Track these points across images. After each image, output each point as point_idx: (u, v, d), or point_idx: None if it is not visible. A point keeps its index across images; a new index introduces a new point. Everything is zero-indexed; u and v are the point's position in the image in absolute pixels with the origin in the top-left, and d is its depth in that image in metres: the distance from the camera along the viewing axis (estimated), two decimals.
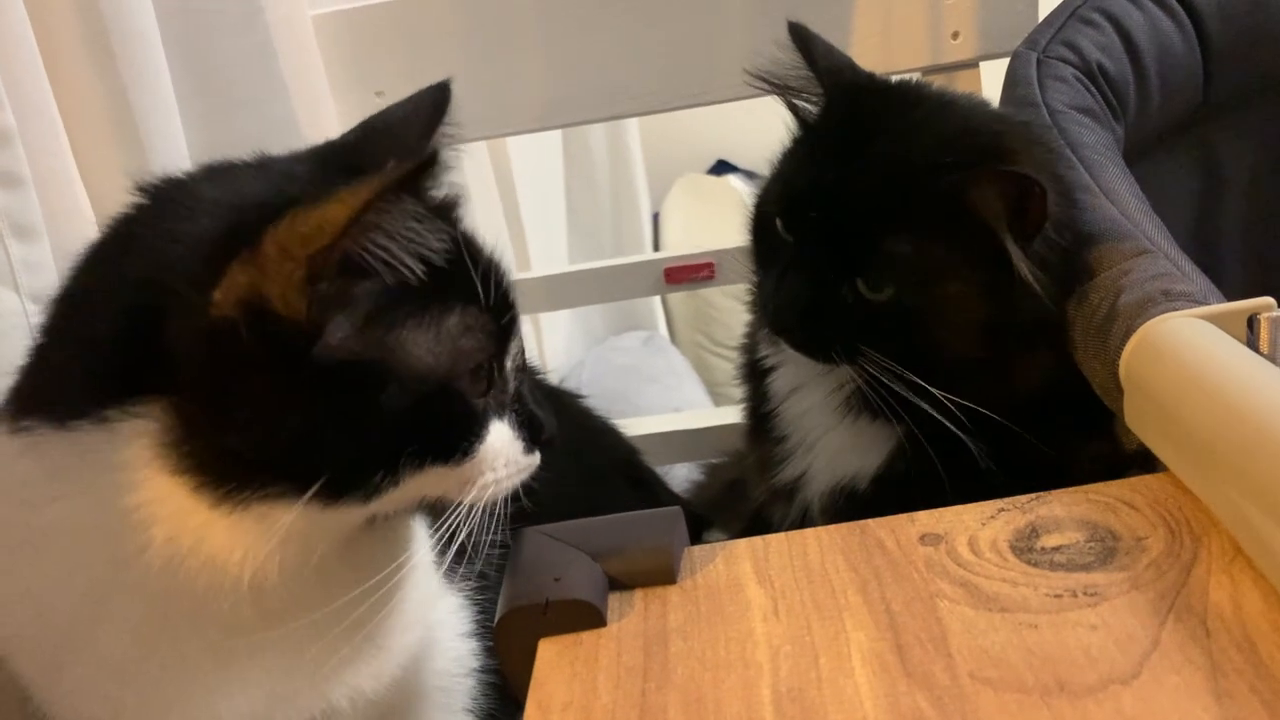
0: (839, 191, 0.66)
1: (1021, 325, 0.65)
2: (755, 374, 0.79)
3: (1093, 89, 0.76)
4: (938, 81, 0.93)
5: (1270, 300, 0.53)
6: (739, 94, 0.80)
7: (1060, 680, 0.43)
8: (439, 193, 0.52)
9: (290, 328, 0.44)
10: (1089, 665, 0.43)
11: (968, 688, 0.43)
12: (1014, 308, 0.64)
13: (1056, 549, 0.51)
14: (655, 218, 1.98)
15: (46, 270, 0.69)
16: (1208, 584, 0.46)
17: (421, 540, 0.59)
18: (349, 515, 0.49)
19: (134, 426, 0.45)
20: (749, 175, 2.07)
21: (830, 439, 0.73)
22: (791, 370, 0.75)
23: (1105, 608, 0.46)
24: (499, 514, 0.53)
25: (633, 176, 1.82)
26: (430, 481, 0.49)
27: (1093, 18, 0.79)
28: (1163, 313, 0.55)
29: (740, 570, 0.54)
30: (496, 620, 0.53)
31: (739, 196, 1.95)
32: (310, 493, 0.45)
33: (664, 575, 0.54)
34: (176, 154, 0.82)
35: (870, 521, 0.56)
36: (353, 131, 0.57)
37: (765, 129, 0.75)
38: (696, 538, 0.61)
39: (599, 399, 1.03)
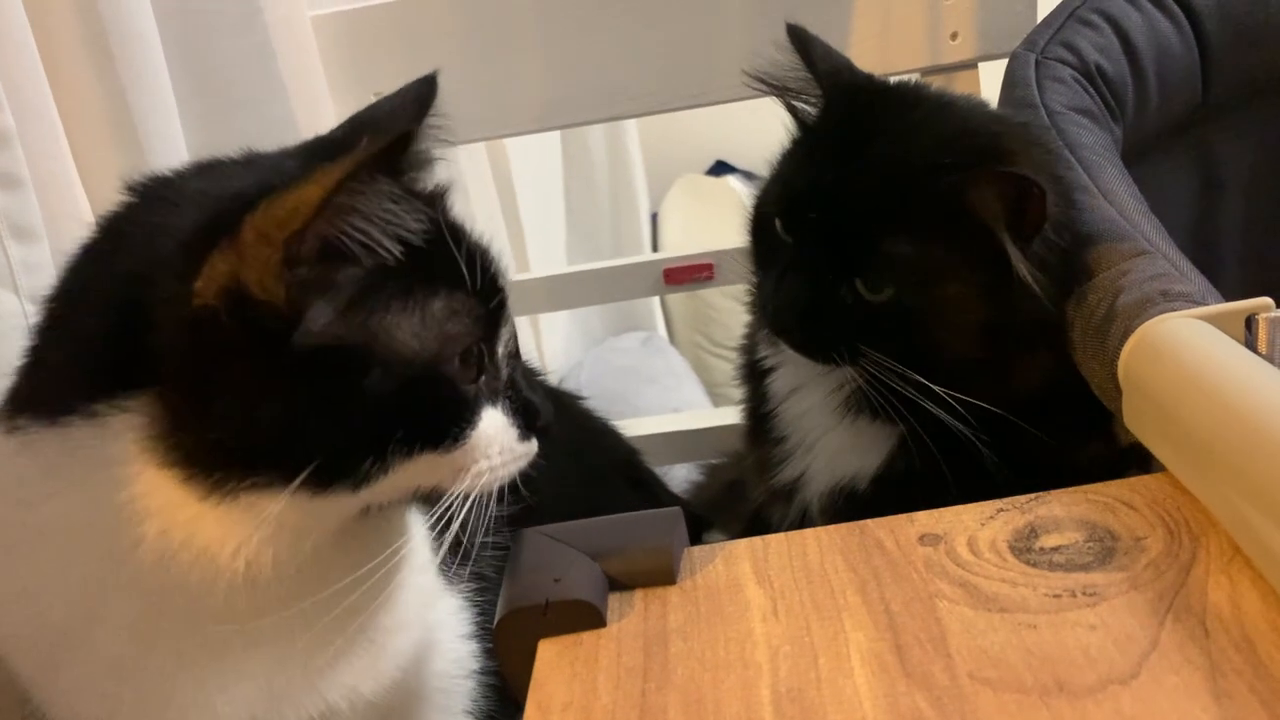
0: (838, 192, 0.66)
1: (1020, 326, 0.65)
2: (754, 375, 0.79)
3: (1091, 90, 0.76)
4: (936, 82, 0.93)
5: (1268, 300, 0.53)
6: (738, 95, 0.80)
7: (1059, 680, 0.43)
8: (425, 181, 0.52)
9: (270, 314, 0.44)
10: (1088, 665, 0.43)
11: (967, 688, 0.43)
12: (1013, 308, 0.64)
13: (1055, 549, 0.51)
14: (654, 218, 1.98)
15: (46, 272, 0.69)
16: (1206, 584, 0.47)
17: (418, 535, 0.59)
18: (341, 505, 0.48)
19: (123, 421, 0.46)
20: (748, 176, 2.07)
21: (829, 439, 0.73)
22: (791, 371, 0.75)
23: (1104, 608, 0.46)
24: (495, 505, 0.53)
25: (631, 177, 1.82)
26: (422, 469, 0.49)
27: (1091, 19, 0.79)
28: (1161, 313, 0.55)
29: (740, 571, 0.54)
30: (496, 621, 0.53)
31: (738, 197, 1.96)
32: (298, 481, 0.45)
33: (664, 576, 0.54)
34: (176, 155, 0.82)
35: (869, 522, 0.56)
36: (341, 126, 0.57)
37: (764, 129, 0.75)
38: (696, 538, 0.61)
39: (598, 400, 1.03)
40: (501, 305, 0.52)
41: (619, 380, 1.49)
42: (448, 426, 0.49)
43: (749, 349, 0.81)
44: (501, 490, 0.53)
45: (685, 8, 0.97)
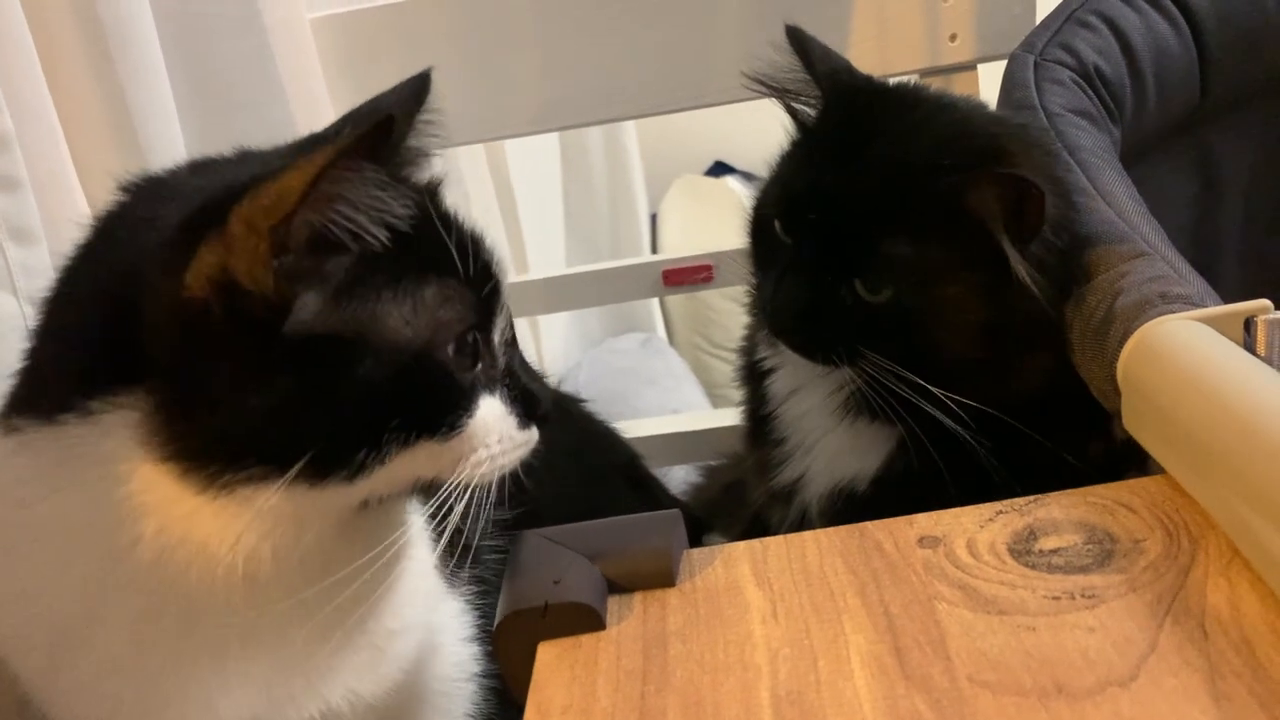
0: (837, 193, 0.66)
1: (1019, 327, 0.65)
2: (754, 376, 0.79)
3: (1089, 92, 0.76)
4: (935, 84, 0.93)
5: (1267, 302, 0.53)
6: (736, 96, 0.80)
7: (1058, 683, 0.43)
8: (420, 176, 0.52)
9: (259, 304, 0.44)
10: (1087, 668, 0.43)
11: (966, 690, 0.43)
12: (1012, 309, 0.64)
13: (1054, 551, 0.51)
14: (653, 219, 1.98)
15: (45, 274, 0.69)
16: (1205, 586, 0.47)
17: (420, 538, 0.59)
18: (339, 497, 0.48)
19: (118, 417, 0.46)
20: (746, 177, 2.07)
21: (829, 441, 0.74)
22: (790, 372, 0.75)
23: (1103, 610, 0.46)
24: (495, 497, 0.52)
25: (630, 178, 1.82)
26: (421, 459, 0.49)
27: (1089, 20, 0.79)
28: (1160, 315, 0.55)
29: (739, 573, 0.54)
30: (496, 623, 0.53)
31: (736, 198, 1.96)
32: (293, 472, 0.45)
33: (663, 578, 0.54)
34: (175, 157, 0.81)
35: (869, 524, 0.56)
36: (336, 124, 0.57)
37: (763, 130, 0.76)
38: (695, 540, 0.61)
39: (597, 401, 1.03)
40: (495, 293, 0.52)
41: (618, 381, 1.49)
42: (443, 414, 0.49)
43: (748, 350, 0.81)
44: (502, 480, 0.53)
45: (684, 9, 0.97)
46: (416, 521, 0.58)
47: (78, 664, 0.50)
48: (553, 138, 1.69)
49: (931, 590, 0.50)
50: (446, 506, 0.50)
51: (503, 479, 0.53)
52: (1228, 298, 0.56)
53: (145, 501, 0.46)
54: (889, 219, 0.64)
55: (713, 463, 1.08)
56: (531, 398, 0.54)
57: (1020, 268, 0.62)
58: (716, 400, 1.55)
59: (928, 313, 0.65)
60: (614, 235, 1.84)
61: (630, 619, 0.52)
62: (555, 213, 1.74)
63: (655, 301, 1.81)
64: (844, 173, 0.66)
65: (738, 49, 0.91)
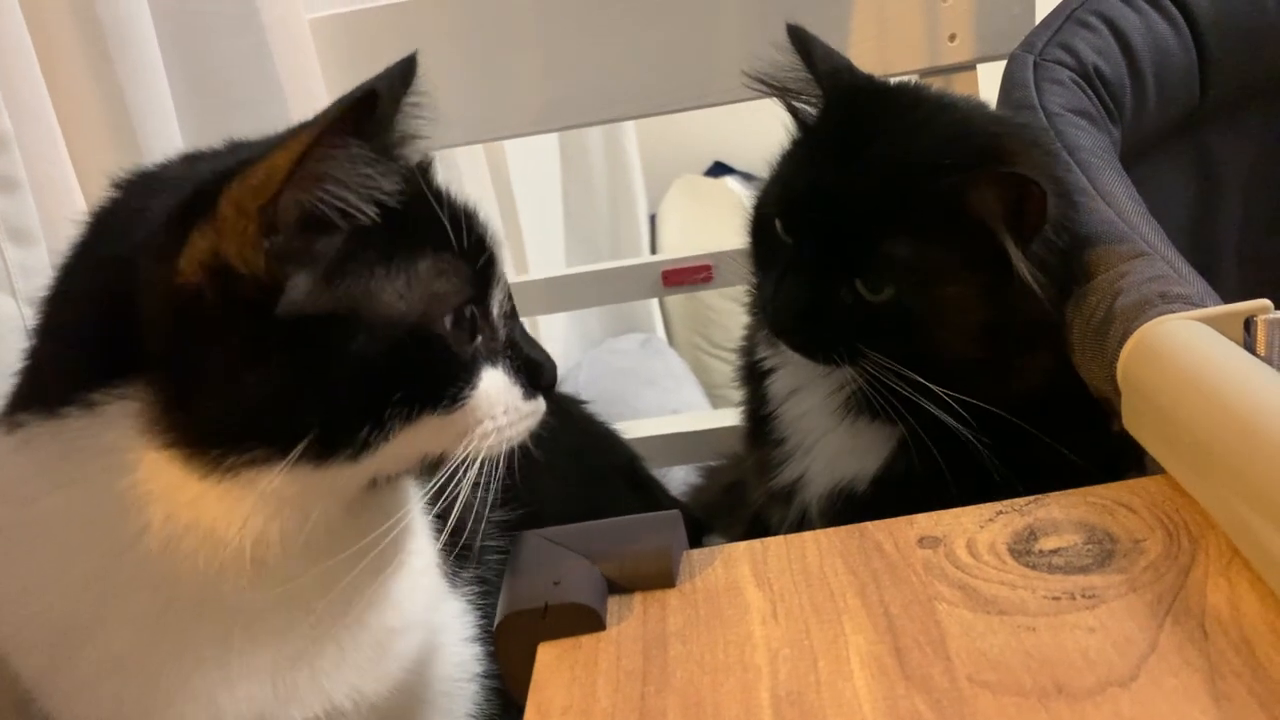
0: (838, 193, 0.66)
1: (1020, 326, 0.65)
2: (754, 376, 0.79)
3: (1089, 92, 0.76)
4: (935, 84, 0.93)
5: (1267, 302, 0.53)
6: (737, 96, 0.80)
7: (1058, 683, 0.43)
8: (411, 156, 0.52)
9: (252, 286, 0.44)
10: (1087, 668, 0.43)
11: (966, 691, 0.43)
12: (1013, 309, 0.64)
13: (1054, 551, 0.51)
14: (652, 219, 1.98)
15: (43, 275, 0.68)
16: (1205, 586, 0.47)
17: (421, 531, 0.59)
18: (345, 476, 0.48)
19: (120, 408, 0.46)
20: (746, 177, 2.07)
21: (829, 441, 0.73)
22: (791, 372, 0.75)
23: (1103, 610, 0.46)
24: (503, 471, 0.52)
25: (630, 178, 1.82)
26: (426, 434, 0.49)
27: (1089, 20, 0.79)
28: (1160, 315, 0.55)
29: (739, 573, 0.54)
30: (496, 624, 0.53)
31: (736, 198, 1.96)
32: (296, 453, 0.45)
33: (663, 579, 0.54)
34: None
35: (869, 524, 0.56)
36: (324, 110, 0.57)
37: (762, 130, 0.75)
38: (695, 541, 0.61)
39: (597, 401, 1.03)
40: (491, 265, 0.52)
41: (618, 382, 1.49)
42: (444, 387, 0.49)
43: (748, 350, 0.81)
44: (511, 454, 0.53)
45: (684, 9, 0.97)
46: (418, 512, 0.58)
47: (80, 662, 0.50)
48: (552, 138, 1.69)
49: (931, 590, 0.50)
50: (455, 482, 0.50)
51: (511, 452, 0.53)
52: (1227, 298, 0.56)
53: (151, 489, 0.46)
54: (890, 218, 0.64)
55: (712, 463, 1.08)
56: (536, 367, 0.54)
57: (1021, 266, 0.62)
58: (716, 401, 1.55)
59: (928, 312, 0.65)
60: (613, 235, 1.84)
61: (630, 620, 0.52)
62: (555, 213, 1.74)
63: (655, 302, 1.81)
64: (845, 172, 0.66)
65: (739, 49, 0.91)
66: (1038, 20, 0.82)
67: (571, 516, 0.59)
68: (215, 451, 0.45)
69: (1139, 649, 0.44)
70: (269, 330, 0.45)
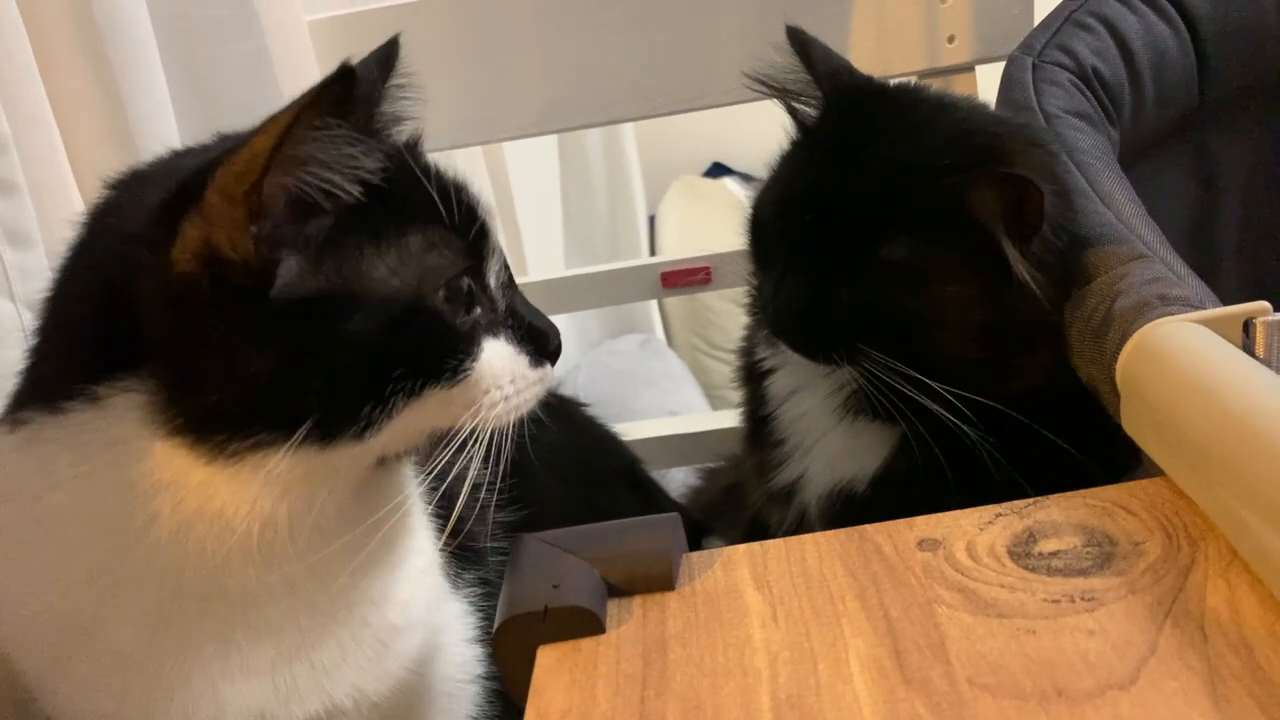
0: (838, 193, 0.66)
1: (1019, 326, 0.65)
2: (753, 377, 0.79)
3: (1088, 93, 0.76)
4: (934, 85, 0.93)
5: (1266, 304, 0.53)
6: (736, 98, 0.80)
7: (1058, 686, 0.43)
8: (396, 132, 0.52)
9: (243, 272, 0.45)
10: (1087, 671, 0.43)
11: (966, 694, 0.43)
12: (1012, 309, 0.64)
13: (1054, 554, 0.51)
14: (651, 220, 1.98)
15: (42, 278, 0.68)
16: (1205, 589, 0.46)
17: (422, 529, 0.59)
18: (353, 455, 0.48)
19: (124, 400, 0.46)
20: (745, 177, 2.07)
21: (828, 441, 0.74)
22: (790, 373, 0.75)
23: (1103, 613, 0.46)
24: (513, 442, 0.52)
25: (628, 180, 1.82)
26: (431, 409, 0.49)
27: (1088, 22, 0.79)
28: (1159, 317, 0.55)
29: (738, 576, 0.54)
30: (495, 627, 0.53)
31: (735, 199, 1.96)
32: (299, 435, 0.46)
33: (662, 582, 0.54)
34: None
35: (868, 527, 0.56)
36: (303, 92, 0.58)
37: (761, 131, 0.76)
38: (695, 544, 0.61)
39: (596, 403, 1.03)
40: (484, 236, 0.52)
41: (617, 383, 1.49)
42: (444, 360, 0.49)
43: (748, 351, 0.81)
44: (521, 424, 0.53)
45: (684, 10, 0.97)
46: (418, 511, 0.58)
47: (83, 659, 0.50)
48: (551, 139, 1.69)
49: (931, 593, 0.50)
50: (465, 455, 0.51)
51: (521, 421, 0.53)
52: (1226, 299, 0.56)
53: (159, 478, 0.46)
54: (889, 219, 0.64)
55: (711, 466, 1.08)
56: (540, 335, 0.54)
57: (1020, 267, 0.62)
58: (715, 402, 1.55)
59: (927, 313, 0.65)
60: (612, 237, 1.84)
61: (630, 623, 0.52)
62: (554, 215, 1.74)
63: (654, 303, 1.81)
64: (845, 172, 0.66)
65: (738, 50, 0.91)
66: (1036, 22, 0.82)
67: (571, 519, 0.59)
68: (220, 437, 0.46)
69: (1139, 651, 0.44)
70: (265, 315, 0.45)
